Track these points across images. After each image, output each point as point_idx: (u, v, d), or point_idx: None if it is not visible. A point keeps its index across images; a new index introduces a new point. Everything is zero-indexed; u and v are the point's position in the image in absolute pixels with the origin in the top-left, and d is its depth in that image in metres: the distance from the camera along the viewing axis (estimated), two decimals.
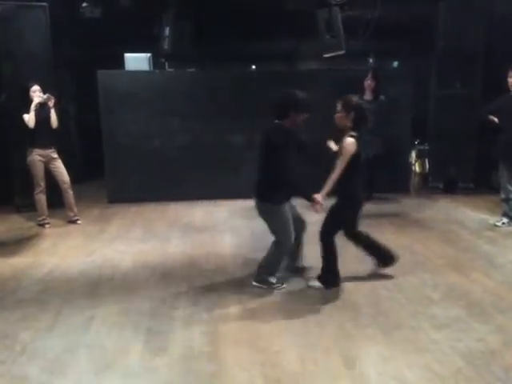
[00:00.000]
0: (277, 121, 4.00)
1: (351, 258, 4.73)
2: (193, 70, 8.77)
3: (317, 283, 4.16)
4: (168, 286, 4.29)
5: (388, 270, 4.39)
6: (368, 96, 6.91)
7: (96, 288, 4.29)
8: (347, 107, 3.94)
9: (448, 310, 3.73)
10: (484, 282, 4.26)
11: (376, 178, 7.08)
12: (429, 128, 8.08)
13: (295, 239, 4.19)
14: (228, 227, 6.14)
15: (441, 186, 7.88)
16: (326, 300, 3.96)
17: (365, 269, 4.49)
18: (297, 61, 10.83)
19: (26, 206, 6.79)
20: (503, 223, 5.89)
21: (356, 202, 4.14)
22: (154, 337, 3.41)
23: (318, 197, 3.93)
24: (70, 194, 6.30)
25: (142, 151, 7.56)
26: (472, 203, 7.03)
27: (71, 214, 6.37)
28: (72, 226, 6.27)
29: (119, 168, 7.57)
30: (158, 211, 7.02)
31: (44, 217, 6.23)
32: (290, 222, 4.08)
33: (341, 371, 2.96)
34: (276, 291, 4.11)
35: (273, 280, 4.19)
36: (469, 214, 6.49)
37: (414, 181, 9.09)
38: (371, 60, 8.21)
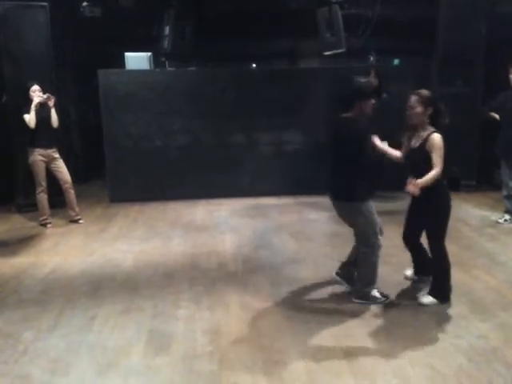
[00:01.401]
0: (344, 114, 3.69)
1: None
2: (193, 68, 8.76)
3: (430, 299, 3.78)
4: (170, 286, 4.29)
5: (389, 268, 4.39)
6: None
7: (98, 288, 4.30)
8: (425, 102, 3.62)
9: (450, 307, 3.73)
10: (486, 279, 4.27)
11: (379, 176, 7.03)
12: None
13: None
14: (229, 226, 6.14)
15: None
16: (327, 299, 3.97)
17: None
18: (297, 59, 10.81)
19: (28, 206, 6.79)
20: (505, 220, 5.90)
21: (449, 199, 3.77)
22: (156, 336, 3.42)
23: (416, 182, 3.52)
24: (71, 193, 6.30)
25: (143, 150, 7.55)
26: (474, 200, 7.01)
27: (73, 214, 6.38)
28: (74, 226, 6.27)
29: (120, 167, 7.56)
30: (160, 210, 7.02)
31: (46, 216, 6.23)
32: (376, 217, 3.74)
33: (343, 369, 2.97)
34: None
35: (376, 294, 3.86)
36: (471, 212, 6.48)
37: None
38: (372, 58, 8.16)
